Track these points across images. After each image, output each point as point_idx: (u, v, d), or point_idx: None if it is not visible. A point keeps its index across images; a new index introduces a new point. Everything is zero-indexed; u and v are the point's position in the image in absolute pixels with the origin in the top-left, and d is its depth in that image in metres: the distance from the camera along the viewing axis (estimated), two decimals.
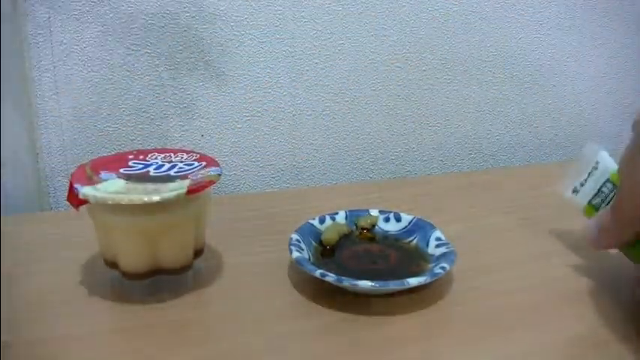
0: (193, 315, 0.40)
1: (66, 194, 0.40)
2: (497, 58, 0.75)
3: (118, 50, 0.60)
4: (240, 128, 0.67)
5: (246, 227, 0.53)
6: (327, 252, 0.47)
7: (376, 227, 0.50)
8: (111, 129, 0.62)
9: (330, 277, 0.40)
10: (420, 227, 0.49)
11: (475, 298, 0.42)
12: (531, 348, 0.37)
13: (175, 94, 0.63)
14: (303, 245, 0.45)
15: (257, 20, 0.64)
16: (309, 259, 0.44)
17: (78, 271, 0.45)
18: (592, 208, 0.46)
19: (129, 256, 0.40)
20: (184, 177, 0.40)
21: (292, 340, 0.37)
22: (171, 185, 0.39)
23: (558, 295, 0.43)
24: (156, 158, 0.44)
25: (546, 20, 0.76)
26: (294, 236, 0.46)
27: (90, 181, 0.39)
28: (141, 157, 0.44)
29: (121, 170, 0.41)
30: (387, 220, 0.50)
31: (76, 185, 0.38)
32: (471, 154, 0.78)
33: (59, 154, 0.61)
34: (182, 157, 0.44)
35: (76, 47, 0.59)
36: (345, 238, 0.49)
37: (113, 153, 0.45)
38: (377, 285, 0.40)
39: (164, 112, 0.63)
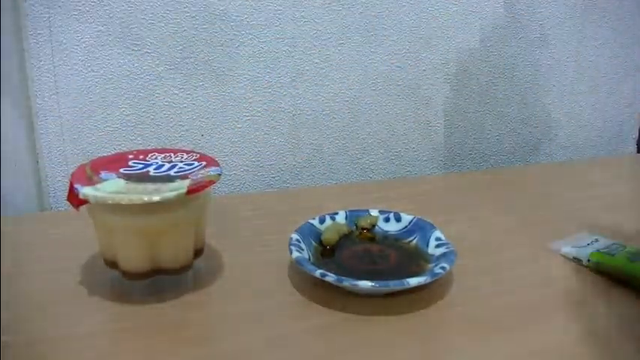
0: (193, 315, 0.40)
1: (66, 194, 0.40)
2: (497, 58, 0.75)
3: (118, 50, 0.60)
4: (240, 128, 0.67)
5: (246, 227, 0.53)
6: (327, 252, 0.47)
7: (376, 227, 0.50)
8: (111, 129, 0.62)
9: (330, 277, 0.40)
10: (420, 227, 0.49)
11: (475, 298, 0.42)
12: (531, 348, 0.37)
13: (175, 94, 0.63)
14: (303, 245, 0.45)
15: (257, 20, 0.64)
16: (309, 259, 0.44)
17: (78, 271, 0.45)
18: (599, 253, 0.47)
19: (129, 256, 0.40)
20: (184, 177, 0.40)
21: (292, 340, 0.37)
22: (171, 185, 0.39)
23: (558, 295, 0.43)
24: (156, 158, 0.44)
25: (546, 20, 0.76)
26: (294, 236, 0.46)
27: (90, 181, 0.39)
28: (141, 157, 0.44)
29: (121, 170, 0.41)
30: (387, 220, 0.50)
31: (76, 185, 0.38)
32: (470, 154, 0.78)
33: (59, 154, 0.61)
34: (182, 157, 0.44)
35: (76, 47, 0.59)
36: (345, 238, 0.49)
37: (113, 153, 0.45)
38: (377, 285, 0.40)
39: (164, 112, 0.63)
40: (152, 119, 0.63)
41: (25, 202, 0.60)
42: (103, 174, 0.40)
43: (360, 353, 0.36)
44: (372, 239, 0.49)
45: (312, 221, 0.49)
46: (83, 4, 0.58)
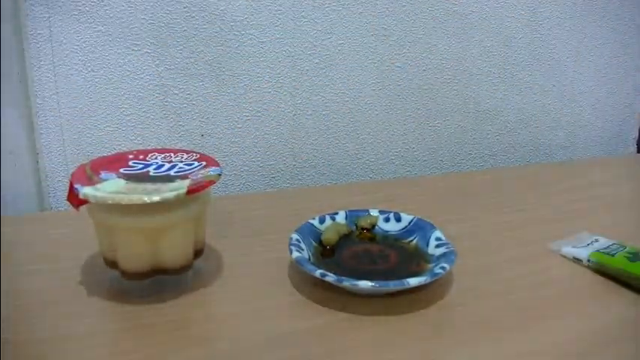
0: (193, 315, 0.40)
1: (66, 194, 0.40)
2: (497, 57, 0.75)
3: (118, 50, 0.60)
4: (240, 128, 0.67)
5: (246, 227, 0.53)
6: (327, 252, 0.47)
7: (376, 227, 0.50)
8: (111, 129, 0.62)
9: (330, 277, 0.40)
10: (420, 227, 0.49)
11: (475, 298, 0.42)
12: (531, 348, 0.37)
13: (175, 94, 0.63)
14: (303, 245, 0.45)
15: (257, 20, 0.64)
16: (309, 259, 0.44)
17: (78, 271, 0.45)
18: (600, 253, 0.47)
19: (129, 256, 0.40)
20: (184, 177, 0.40)
21: (292, 340, 0.37)
22: (171, 185, 0.39)
23: (558, 295, 0.43)
24: (156, 158, 0.44)
25: (546, 20, 0.76)
26: (294, 236, 0.46)
27: (90, 181, 0.39)
28: (141, 157, 0.44)
29: (121, 170, 0.41)
30: (387, 220, 0.50)
31: (76, 185, 0.38)
32: (470, 154, 0.78)
33: (59, 154, 0.61)
34: (182, 157, 0.44)
35: (76, 47, 0.59)
36: (345, 238, 0.49)
37: (113, 153, 0.45)
38: (377, 285, 0.40)
39: (164, 112, 0.63)
40: (152, 119, 0.63)
41: (25, 202, 0.60)
42: (103, 174, 0.40)
43: (360, 353, 0.36)
44: (372, 239, 0.49)
45: (312, 221, 0.49)
46: (83, 4, 0.58)
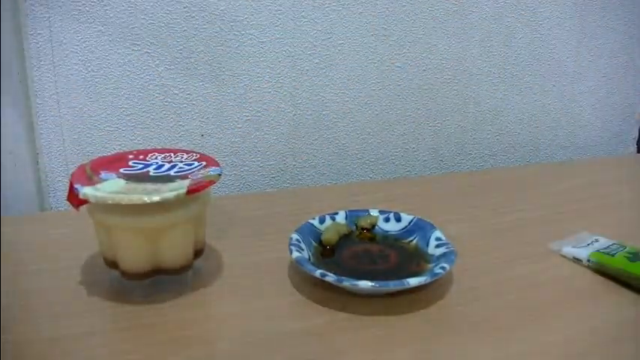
0: (193, 315, 0.40)
1: (66, 194, 0.40)
2: (497, 57, 0.75)
3: (118, 50, 0.60)
4: (240, 128, 0.67)
5: (246, 227, 0.53)
6: (327, 252, 0.47)
7: (376, 227, 0.50)
8: (111, 129, 0.62)
9: (330, 277, 0.40)
10: (420, 227, 0.49)
11: (475, 298, 0.42)
12: (531, 348, 0.37)
13: (175, 94, 0.63)
14: (303, 245, 0.45)
15: (257, 20, 0.64)
16: (309, 259, 0.44)
17: (78, 271, 0.45)
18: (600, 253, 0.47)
19: (129, 256, 0.40)
20: (184, 177, 0.40)
21: (292, 340, 0.37)
22: (171, 185, 0.39)
23: (558, 295, 0.43)
24: (156, 158, 0.44)
25: (546, 20, 0.76)
26: (294, 236, 0.46)
27: (90, 181, 0.39)
28: (141, 157, 0.44)
29: (121, 170, 0.41)
30: (387, 220, 0.50)
31: (76, 185, 0.38)
32: (470, 154, 0.78)
33: (59, 154, 0.61)
34: (182, 157, 0.44)
35: (76, 47, 0.59)
36: (345, 238, 0.49)
37: (113, 153, 0.45)
38: (377, 285, 0.40)
39: (164, 112, 0.63)
40: (152, 119, 0.63)
41: (25, 202, 0.60)
42: (103, 174, 0.40)
43: (360, 353, 0.36)
44: (372, 239, 0.49)
45: (312, 221, 0.49)
46: (83, 4, 0.58)
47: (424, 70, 0.72)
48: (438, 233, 0.47)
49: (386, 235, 0.50)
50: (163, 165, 0.43)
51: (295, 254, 0.43)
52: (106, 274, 0.43)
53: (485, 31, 0.74)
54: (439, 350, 0.37)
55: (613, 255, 0.46)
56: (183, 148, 0.47)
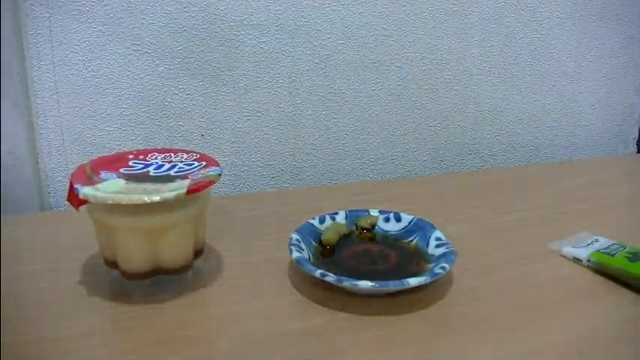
0: (193, 315, 0.40)
1: (66, 194, 0.40)
2: (497, 58, 0.75)
3: (118, 50, 0.60)
4: (240, 128, 0.67)
5: (246, 227, 0.53)
6: (327, 252, 0.47)
7: (376, 227, 0.50)
8: (111, 129, 0.62)
9: (330, 277, 0.40)
10: (420, 227, 0.49)
11: (475, 298, 0.42)
12: (531, 348, 0.37)
13: (175, 94, 0.63)
14: (303, 245, 0.45)
15: (257, 20, 0.64)
16: (309, 259, 0.44)
17: (78, 271, 0.45)
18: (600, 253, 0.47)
19: (129, 256, 0.40)
20: (184, 177, 0.40)
21: (292, 340, 0.37)
22: (171, 185, 0.39)
23: (558, 295, 0.43)
24: (156, 158, 0.44)
25: (546, 20, 0.76)
26: (294, 236, 0.46)
27: (90, 181, 0.39)
28: (141, 157, 0.44)
29: (121, 170, 0.41)
30: (387, 220, 0.50)
31: (76, 185, 0.38)
32: (470, 154, 0.78)
33: (59, 154, 0.61)
34: (182, 157, 0.44)
35: (76, 47, 0.59)
36: (345, 238, 0.49)
37: (113, 153, 0.45)
38: (377, 285, 0.40)
39: (164, 112, 0.63)
40: (152, 119, 0.63)
41: (25, 202, 0.60)
42: (103, 174, 0.40)
43: (360, 353, 0.36)
44: (372, 239, 0.49)
45: (312, 221, 0.49)
46: (83, 4, 0.58)
47: (424, 70, 0.72)
48: (438, 233, 0.47)
49: (386, 235, 0.50)
50: (163, 165, 0.43)
51: (295, 254, 0.43)
52: (106, 274, 0.43)
53: (485, 31, 0.74)
54: (439, 350, 0.37)
55: (613, 255, 0.46)
56: (183, 148, 0.47)
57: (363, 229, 0.50)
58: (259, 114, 0.67)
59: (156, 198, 0.37)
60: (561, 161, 0.83)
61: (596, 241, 0.50)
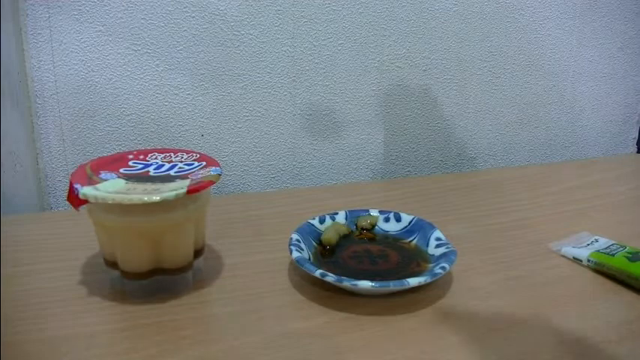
0: (193, 315, 0.40)
1: (66, 194, 0.40)
2: (497, 58, 0.75)
3: (118, 50, 0.60)
4: (240, 128, 0.67)
5: (246, 227, 0.53)
6: (327, 252, 0.47)
7: (376, 227, 0.50)
8: (111, 129, 0.62)
9: (330, 277, 0.40)
10: (420, 227, 0.49)
11: (475, 298, 0.42)
12: (531, 348, 0.37)
13: (175, 94, 0.63)
14: (303, 245, 0.45)
15: (257, 20, 0.64)
16: (309, 259, 0.44)
17: (78, 271, 0.45)
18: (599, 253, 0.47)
19: (129, 256, 0.40)
20: (184, 177, 0.40)
21: (292, 340, 0.37)
22: (172, 185, 0.39)
23: (558, 295, 0.43)
24: (156, 158, 0.44)
25: (546, 20, 0.76)
26: (294, 236, 0.46)
27: (90, 181, 0.39)
28: (141, 157, 0.44)
29: (121, 170, 0.41)
30: (387, 220, 0.50)
31: (76, 185, 0.38)
32: (471, 154, 0.78)
33: (59, 154, 0.61)
34: (182, 157, 0.44)
35: (76, 47, 0.59)
36: (345, 238, 0.49)
37: (113, 153, 0.45)
38: (377, 285, 0.40)
39: (164, 112, 0.63)
40: (152, 119, 0.63)
41: (25, 202, 0.60)
42: (103, 174, 0.40)
43: (360, 353, 0.36)
44: (372, 239, 0.49)
45: (312, 221, 0.49)
46: (83, 4, 0.58)
47: (424, 70, 0.72)
48: (438, 233, 0.47)
49: (386, 235, 0.50)
50: (163, 165, 0.43)
51: (295, 254, 0.43)
52: (106, 274, 0.43)
53: (485, 31, 0.74)
54: (439, 350, 0.37)
55: (613, 255, 0.46)
56: (183, 148, 0.47)
57: (363, 229, 0.50)
58: (259, 114, 0.67)
59: (156, 198, 0.37)
60: (561, 161, 0.83)
61: (596, 241, 0.50)
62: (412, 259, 0.46)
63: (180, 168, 0.42)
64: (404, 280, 0.40)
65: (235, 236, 0.51)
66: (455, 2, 0.71)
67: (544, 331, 0.39)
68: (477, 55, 0.74)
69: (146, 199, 0.37)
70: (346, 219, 0.50)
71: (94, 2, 0.58)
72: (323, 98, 0.69)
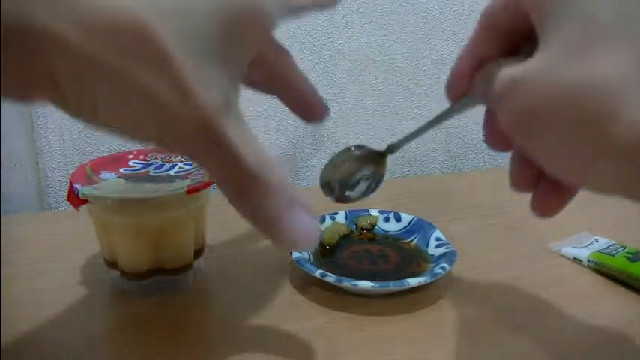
0: (193, 315, 0.40)
1: (66, 194, 0.40)
2: None
3: None
4: None
5: (246, 227, 0.53)
6: (327, 252, 0.47)
7: (376, 227, 0.50)
8: None
9: (330, 277, 0.40)
10: (420, 227, 0.49)
11: (475, 298, 0.42)
12: (531, 348, 0.37)
13: None
14: None
15: None
16: (309, 259, 0.44)
17: (78, 271, 0.45)
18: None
19: (129, 256, 0.40)
20: (184, 177, 0.40)
21: (292, 340, 0.37)
22: (172, 185, 0.39)
23: (558, 295, 0.43)
24: (156, 158, 0.44)
25: None
26: None
27: (90, 181, 0.39)
28: (141, 157, 0.44)
29: (121, 170, 0.41)
30: (387, 220, 0.50)
31: (76, 185, 0.38)
32: (471, 153, 0.78)
33: (59, 154, 0.61)
34: (182, 157, 0.44)
35: None
36: (345, 238, 0.49)
37: (113, 153, 0.45)
38: (377, 285, 0.40)
39: None
40: None
41: (25, 202, 0.60)
42: (103, 174, 0.40)
43: (360, 353, 0.36)
44: (372, 239, 0.49)
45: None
46: None
47: (424, 70, 0.72)
48: (438, 233, 0.47)
49: (386, 235, 0.50)
50: (163, 165, 0.43)
51: (295, 254, 0.43)
52: (106, 274, 0.43)
53: None
54: (439, 350, 0.37)
55: (613, 255, 0.46)
56: None
57: (363, 229, 0.50)
58: (259, 114, 0.67)
59: (156, 198, 0.37)
60: None
61: (596, 241, 0.50)
62: (412, 259, 0.46)
63: (180, 168, 0.42)
64: (404, 280, 0.40)
65: (235, 236, 0.51)
66: (455, 2, 0.71)
67: (544, 331, 0.39)
68: None
69: (146, 199, 0.37)
70: (346, 219, 0.50)
71: None
72: (323, 98, 0.69)
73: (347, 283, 0.40)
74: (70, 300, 0.41)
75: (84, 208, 0.39)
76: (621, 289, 0.44)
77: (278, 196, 0.27)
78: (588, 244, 0.49)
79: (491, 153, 0.80)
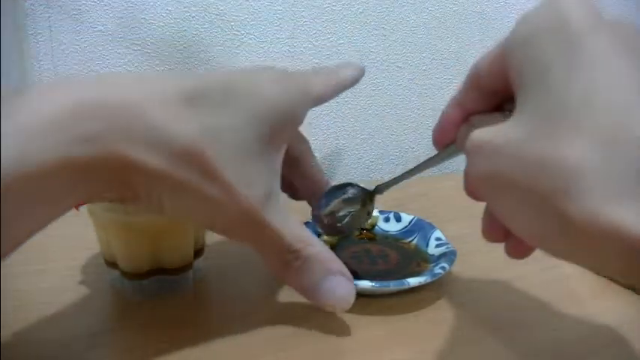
0: (193, 315, 0.40)
1: None
2: None
3: (118, 50, 0.60)
4: None
5: None
6: None
7: (376, 227, 0.50)
8: None
9: None
10: (420, 227, 0.49)
11: (475, 298, 0.42)
12: (531, 348, 0.37)
13: None
14: None
15: (257, 20, 0.64)
16: None
17: (78, 271, 0.45)
18: None
19: (129, 256, 0.40)
20: None
21: (292, 340, 0.37)
22: None
23: (558, 295, 0.43)
24: None
25: None
26: None
27: None
28: None
29: None
30: (387, 220, 0.50)
31: None
32: None
33: None
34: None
35: (76, 47, 0.59)
36: (345, 238, 0.49)
37: None
38: (377, 285, 0.40)
39: None
40: None
41: None
42: None
43: (360, 353, 0.36)
44: (372, 239, 0.49)
45: (312, 221, 0.48)
46: (83, 4, 0.58)
47: (424, 70, 0.72)
48: (438, 233, 0.47)
49: (386, 235, 0.50)
50: None
51: None
52: (106, 274, 0.43)
53: (485, 31, 0.74)
54: (439, 350, 0.37)
55: None
56: None
57: (363, 229, 0.50)
58: None
59: None
60: None
61: None
62: (412, 259, 0.46)
63: None
64: (404, 280, 0.40)
65: None
66: (455, 2, 0.71)
67: (544, 331, 0.39)
68: (476, 55, 0.74)
69: None
70: None
71: (95, 2, 0.58)
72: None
73: None
74: (70, 300, 0.41)
75: (84, 208, 0.39)
76: (621, 289, 0.44)
77: (316, 267, 0.34)
78: None
79: None
